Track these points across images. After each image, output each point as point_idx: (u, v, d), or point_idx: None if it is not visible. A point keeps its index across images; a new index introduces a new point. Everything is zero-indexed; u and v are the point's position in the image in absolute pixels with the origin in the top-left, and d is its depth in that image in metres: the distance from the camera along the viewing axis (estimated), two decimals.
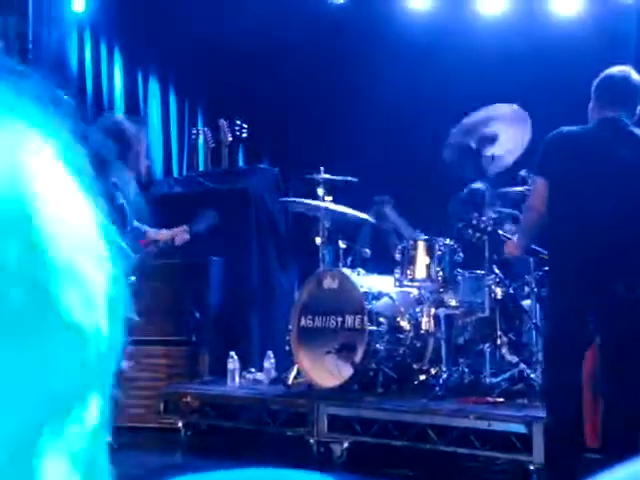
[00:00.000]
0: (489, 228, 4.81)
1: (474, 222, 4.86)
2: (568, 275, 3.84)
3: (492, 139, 5.27)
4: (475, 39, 7.24)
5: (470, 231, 4.88)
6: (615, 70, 4.05)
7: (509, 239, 4.45)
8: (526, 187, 5.33)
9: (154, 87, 8.52)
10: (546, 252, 4.48)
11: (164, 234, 5.55)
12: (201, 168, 7.57)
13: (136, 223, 5.39)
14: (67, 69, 7.97)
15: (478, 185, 5.88)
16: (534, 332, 5.14)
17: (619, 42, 7.05)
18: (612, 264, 3.71)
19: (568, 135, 3.97)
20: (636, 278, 3.69)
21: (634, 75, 4.00)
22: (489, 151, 5.34)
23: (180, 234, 5.53)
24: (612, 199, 3.74)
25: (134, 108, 8.32)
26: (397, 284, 5.42)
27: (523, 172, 5.42)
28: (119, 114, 5.63)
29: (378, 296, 5.38)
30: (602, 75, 4.07)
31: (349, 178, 5.88)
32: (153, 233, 5.58)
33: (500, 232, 4.78)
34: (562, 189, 3.86)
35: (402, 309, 5.38)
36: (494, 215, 5.13)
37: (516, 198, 5.33)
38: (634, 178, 3.77)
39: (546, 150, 3.99)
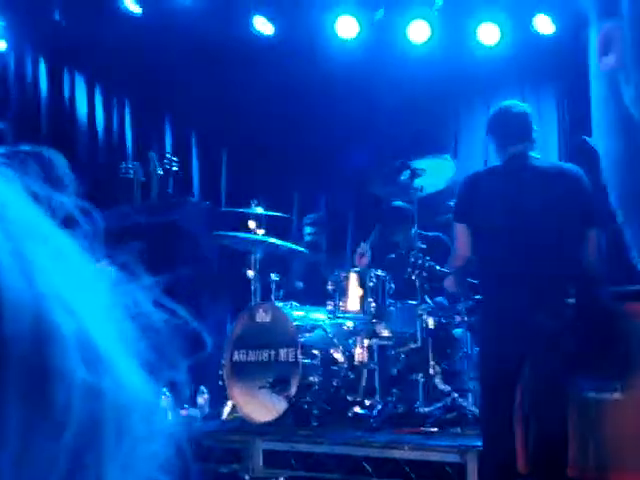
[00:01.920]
0: (427, 264, 4.95)
1: (412, 259, 4.97)
2: (495, 310, 3.94)
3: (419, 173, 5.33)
4: (403, 67, 7.36)
5: (409, 269, 5.01)
6: (500, 106, 4.20)
7: (447, 274, 4.56)
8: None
9: (82, 110, 8.40)
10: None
11: None
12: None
13: None
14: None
15: (401, 203, 5.96)
16: (466, 361, 5.20)
17: (541, 71, 7.27)
18: (534, 294, 3.80)
19: (478, 178, 4.11)
20: (558, 306, 3.77)
21: (517, 106, 4.16)
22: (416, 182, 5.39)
23: None
24: (526, 234, 3.84)
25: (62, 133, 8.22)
26: (330, 316, 5.42)
27: (451, 202, 5.52)
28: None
29: (311, 329, 5.37)
30: (491, 114, 4.21)
31: (281, 214, 5.88)
32: None
33: (437, 267, 4.92)
34: (480, 232, 3.98)
35: (335, 341, 5.38)
36: (422, 245, 5.20)
37: (441, 223, 5.44)
38: (544, 212, 3.87)
39: (460, 196, 4.14)
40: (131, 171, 7.44)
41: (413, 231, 5.32)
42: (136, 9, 7.49)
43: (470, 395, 5.06)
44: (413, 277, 5.00)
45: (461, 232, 4.06)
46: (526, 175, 3.96)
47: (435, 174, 5.33)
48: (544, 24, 6.97)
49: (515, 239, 3.86)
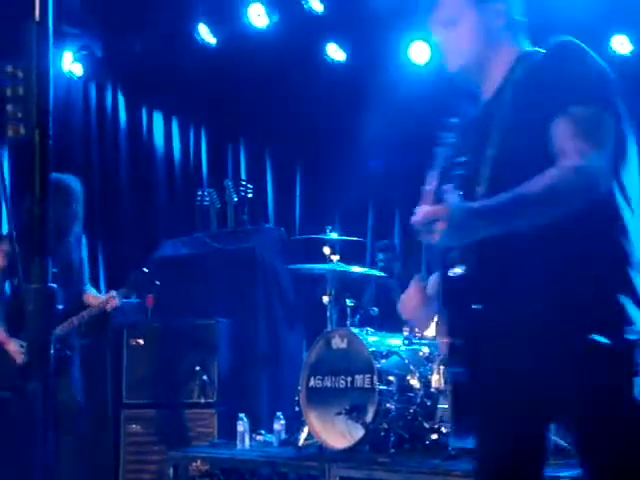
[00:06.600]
0: None
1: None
2: None
3: None
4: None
5: None
6: None
7: None
8: None
9: (159, 139, 8.59)
10: None
11: (97, 302, 5.40)
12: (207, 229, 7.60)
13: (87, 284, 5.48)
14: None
15: None
16: None
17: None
18: None
19: None
20: None
21: None
22: None
23: (110, 300, 5.36)
24: None
25: (140, 162, 8.40)
26: (406, 342, 5.38)
27: None
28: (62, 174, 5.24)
29: (387, 355, 5.33)
30: None
31: (356, 239, 5.86)
32: (92, 298, 5.49)
33: None
34: None
35: (412, 367, 5.32)
36: None
37: None
38: None
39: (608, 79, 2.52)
40: (207, 198, 7.56)
41: None
42: (211, 39, 7.64)
43: (552, 425, 4.92)
44: None
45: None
46: None
47: None
48: (621, 44, 6.85)
49: None
